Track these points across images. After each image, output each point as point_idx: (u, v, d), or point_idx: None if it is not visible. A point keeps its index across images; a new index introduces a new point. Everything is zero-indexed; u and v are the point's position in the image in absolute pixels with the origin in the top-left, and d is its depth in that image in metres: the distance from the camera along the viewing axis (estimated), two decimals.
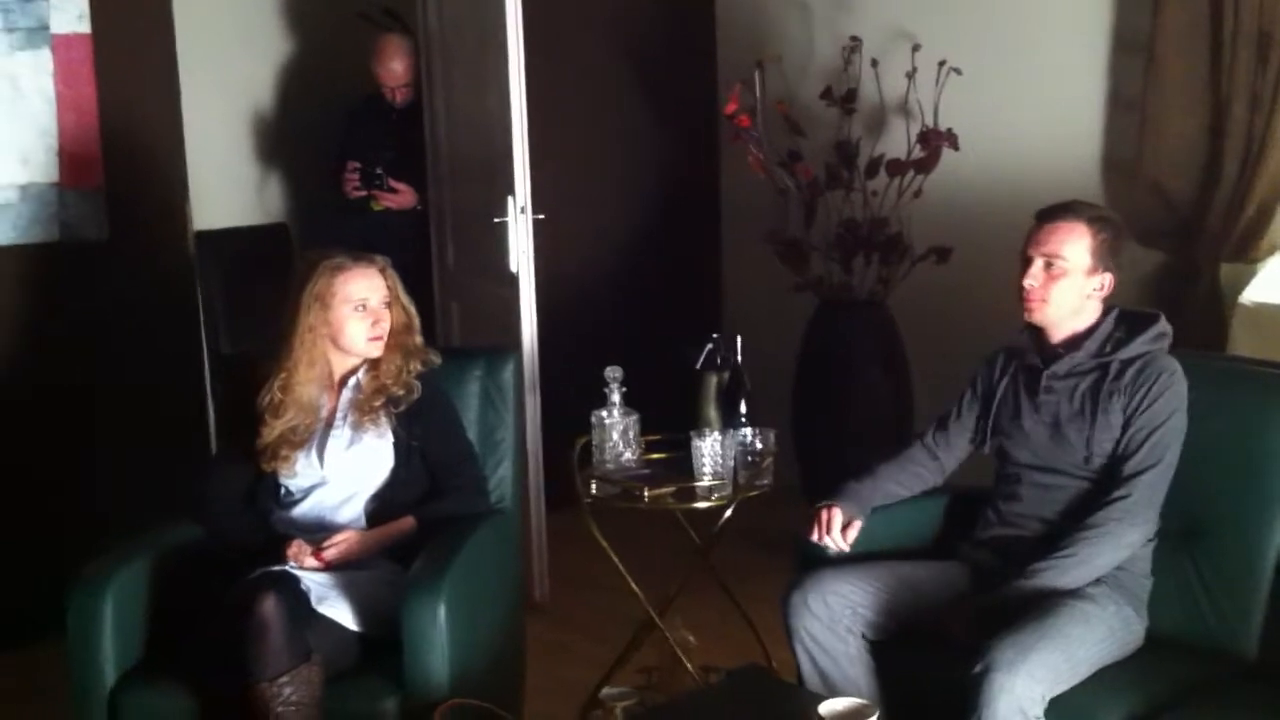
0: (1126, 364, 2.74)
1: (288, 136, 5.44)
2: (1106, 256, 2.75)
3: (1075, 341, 2.80)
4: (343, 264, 2.97)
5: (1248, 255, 3.75)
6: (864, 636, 2.75)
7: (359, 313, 2.94)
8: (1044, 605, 2.57)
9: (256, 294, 4.92)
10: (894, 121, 4.49)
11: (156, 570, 2.86)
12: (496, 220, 4.10)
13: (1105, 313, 2.81)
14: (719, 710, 2.58)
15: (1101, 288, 2.77)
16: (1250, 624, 2.68)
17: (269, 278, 5.04)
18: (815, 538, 2.85)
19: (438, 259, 4.84)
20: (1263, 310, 3.71)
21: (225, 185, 5.25)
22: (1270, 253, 3.72)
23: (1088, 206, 2.81)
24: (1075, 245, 2.73)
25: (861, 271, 4.41)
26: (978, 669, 2.43)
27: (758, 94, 4.58)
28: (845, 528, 2.86)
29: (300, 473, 2.96)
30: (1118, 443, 2.72)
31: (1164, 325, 2.78)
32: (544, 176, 4.16)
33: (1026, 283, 2.77)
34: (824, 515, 2.86)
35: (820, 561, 2.85)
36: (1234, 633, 2.69)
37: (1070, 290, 2.75)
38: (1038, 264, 2.76)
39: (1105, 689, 2.53)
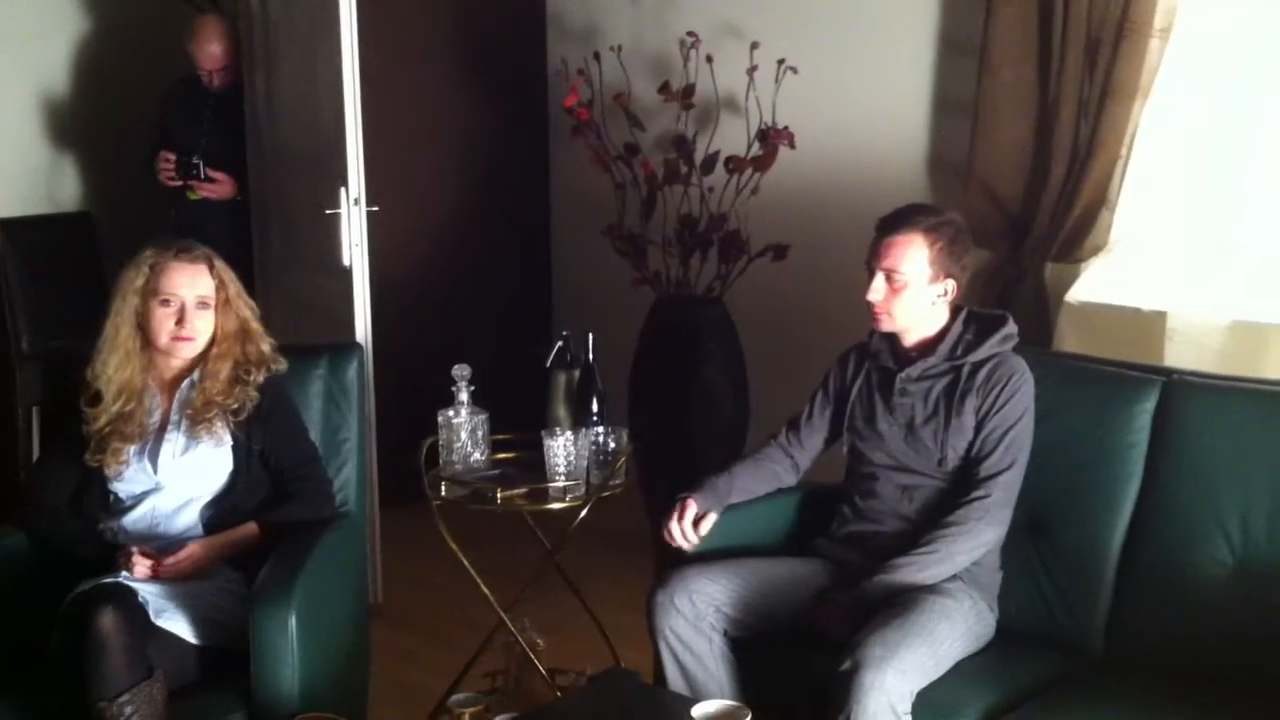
0: (978, 366, 2.79)
1: (90, 120, 5.18)
2: (947, 263, 2.79)
3: (927, 345, 2.84)
4: (162, 256, 2.82)
5: (1073, 256, 3.85)
6: (726, 634, 2.74)
7: (165, 307, 2.80)
8: (905, 601, 2.61)
9: (58, 287, 4.71)
10: (728, 118, 4.50)
11: None
12: (328, 212, 3.96)
13: (954, 315, 2.85)
14: (587, 716, 2.53)
15: (946, 293, 2.81)
16: (1095, 616, 2.77)
17: (70, 270, 4.86)
18: (670, 528, 2.82)
19: (259, 251, 4.66)
20: (1087, 309, 3.82)
21: (20, 170, 4.98)
22: (1094, 253, 3.82)
23: (924, 214, 2.82)
24: (913, 258, 2.76)
25: (699, 267, 4.41)
26: (846, 666, 2.44)
27: (595, 86, 4.53)
28: (698, 521, 2.84)
29: (131, 478, 2.81)
30: (971, 444, 2.77)
31: (1011, 326, 2.84)
32: (375, 167, 4.03)
33: (870, 297, 2.80)
34: (679, 506, 2.85)
35: (683, 560, 2.83)
36: (1080, 624, 2.78)
37: (912, 301, 2.79)
38: (879, 278, 2.79)
39: (964, 683, 2.58)
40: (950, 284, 2.80)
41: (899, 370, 2.85)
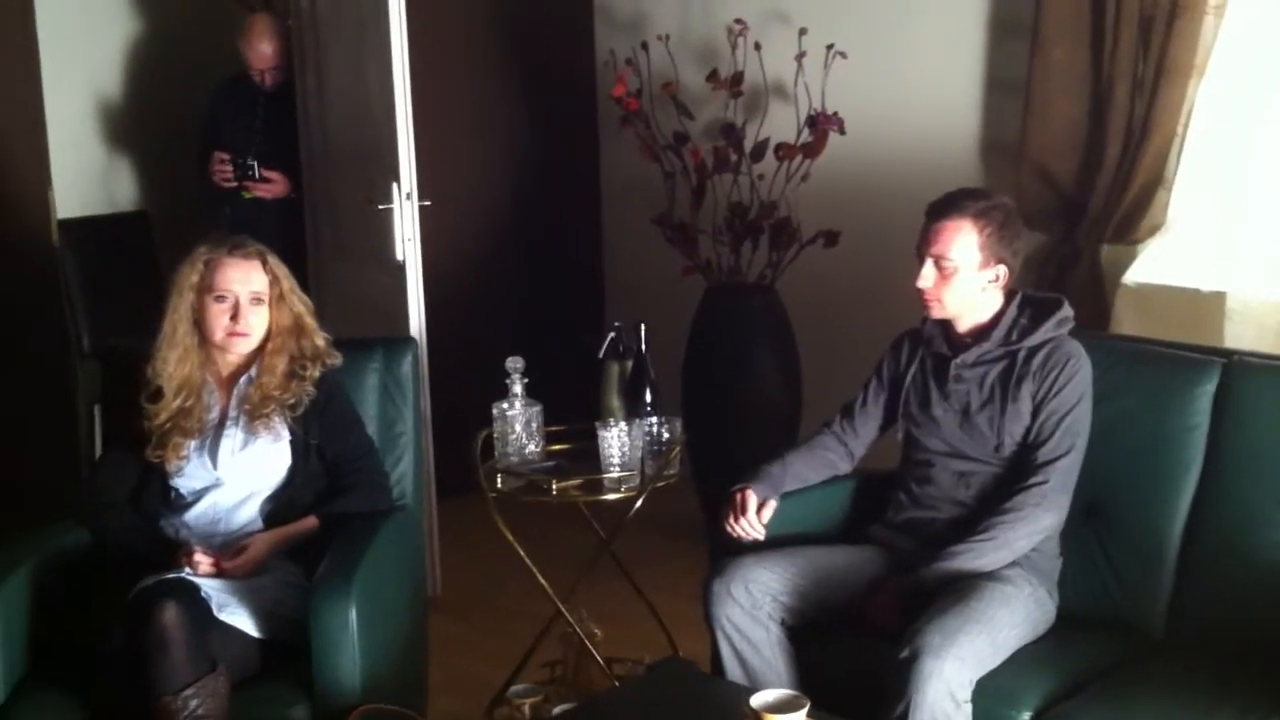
0: (1034, 351, 2.76)
1: (145, 120, 5.23)
2: (997, 248, 2.75)
3: (982, 331, 2.81)
4: (216, 252, 2.85)
5: (1129, 237, 3.81)
6: (783, 623, 2.73)
7: (220, 304, 2.82)
8: (963, 588, 2.59)
9: (116, 286, 4.77)
10: (776, 105, 4.48)
11: (41, 577, 2.71)
12: (381, 207, 3.99)
13: (1009, 299, 2.82)
14: (646, 705, 2.53)
15: (997, 279, 2.78)
16: (1156, 601, 2.74)
17: (128, 269, 4.91)
18: (731, 521, 2.82)
19: (313, 247, 4.69)
20: (1144, 290, 3.79)
21: (80, 171, 5.03)
22: (1151, 234, 3.79)
23: (974, 199, 2.78)
24: (961, 243, 2.73)
25: (749, 255, 4.40)
26: (904, 654, 2.43)
27: (644, 76, 4.52)
28: (760, 509, 2.83)
29: (192, 474, 2.84)
30: (1028, 430, 2.74)
31: (1067, 310, 2.81)
32: (426, 162, 4.05)
33: (919, 284, 2.77)
34: (738, 498, 2.83)
35: (738, 549, 2.83)
36: (1141, 610, 2.75)
37: (962, 287, 2.76)
38: (929, 265, 2.76)
39: (1024, 670, 2.56)
40: (1001, 269, 2.77)
41: (953, 356, 2.82)
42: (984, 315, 2.81)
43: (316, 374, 2.88)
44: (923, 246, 2.78)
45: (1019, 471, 2.73)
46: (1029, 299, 2.84)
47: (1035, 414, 2.73)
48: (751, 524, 2.81)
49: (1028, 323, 2.79)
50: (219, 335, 2.84)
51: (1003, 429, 2.74)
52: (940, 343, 2.86)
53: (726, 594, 2.69)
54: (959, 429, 2.80)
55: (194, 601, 2.53)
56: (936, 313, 2.81)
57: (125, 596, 2.57)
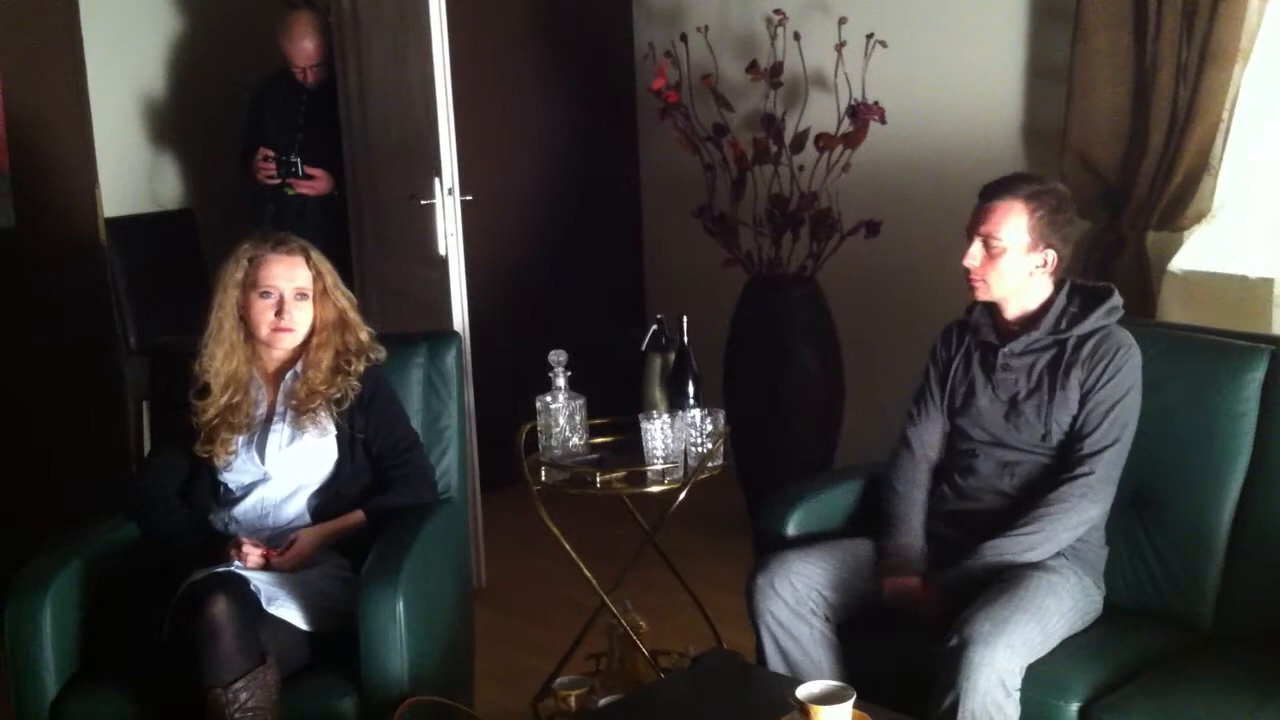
0: (1083, 339, 2.74)
1: (188, 118, 5.29)
2: (1047, 233, 2.73)
3: (1030, 319, 2.79)
4: (260, 249, 2.88)
5: (1174, 224, 3.78)
6: (827, 619, 2.73)
7: (265, 299, 2.85)
8: (1010, 577, 2.58)
9: (163, 284, 4.82)
10: (816, 95, 4.47)
11: (93, 573, 2.74)
12: (423, 202, 4.01)
13: (1058, 288, 2.80)
14: (691, 697, 2.54)
15: (1045, 264, 2.76)
16: (1205, 591, 2.71)
17: (174, 266, 4.96)
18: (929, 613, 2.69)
19: (356, 243, 4.73)
20: (1191, 278, 3.75)
21: (126, 170, 5.09)
22: (1197, 221, 3.75)
23: (1027, 182, 2.78)
24: (1011, 224, 2.72)
25: (790, 246, 4.39)
26: (954, 643, 2.42)
27: (683, 68, 4.52)
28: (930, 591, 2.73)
29: (240, 469, 2.87)
30: (1075, 419, 2.72)
31: (1116, 299, 2.79)
32: (467, 157, 4.07)
33: (966, 263, 2.76)
34: (918, 590, 2.72)
35: (782, 543, 2.83)
36: (1189, 600, 2.72)
37: (1009, 269, 2.74)
38: (976, 244, 2.75)
39: (1072, 659, 2.55)
40: (1050, 254, 2.75)
41: (1001, 345, 2.81)
42: (1032, 302, 2.79)
43: (361, 368, 2.90)
44: (972, 226, 2.76)
45: (1065, 461, 2.71)
46: (1078, 287, 2.82)
47: (1083, 403, 2.71)
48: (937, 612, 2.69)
49: (1077, 311, 2.77)
50: (264, 331, 2.86)
51: (1050, 417, 2.72)
52: (988, 331, 2.85)
53: (770, 589, 2.69)
54: (1004, 419, 2.78)
55: (243, 594, 2.56)
56: (981, 294, 2.79)
57: (176, 591, 2.60)
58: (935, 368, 2.94)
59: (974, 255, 2.75)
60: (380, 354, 2.95)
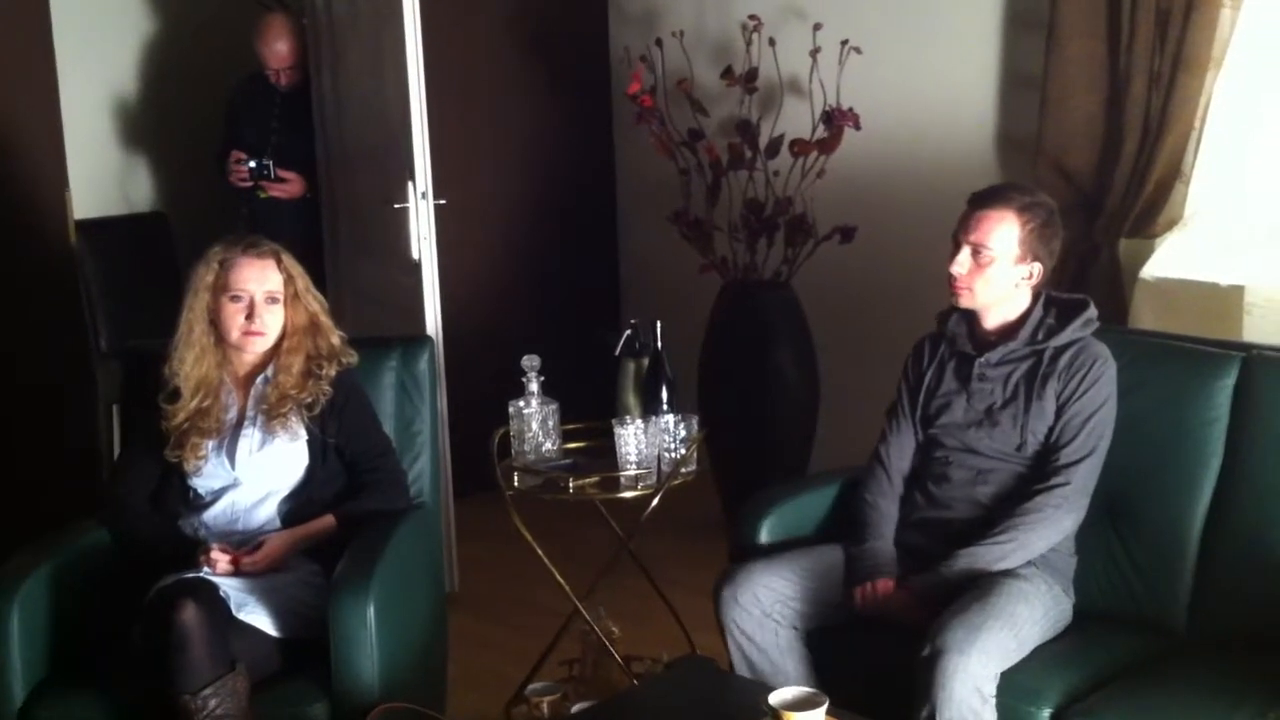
0: (1060, 350, 2.74)
1: (162, 120, 5.25)
2: (1035, 245, 2.74)
3: (1008, 329, 2.79)
4: (230, 252, 2.86)
5: (1147, 231, 3.79)
6: (795, 628, 2.72)
7: (235, 303, 2.83)
8: (982, 585, 2.59)
9: (135, 287, 4.78)
10: (792, 101, 4.47)
11: (62, 578, 2.71)
12: (397, 206, 3.99)
13: (1035, 299, 2.80)
14: (664, 703, 2.53)
15: (1030, 276, 2.76)
16: (1177, 598, 2.72)
17: (147, 269, 4.93)
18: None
19: (330, 247, 4.71)
20: (1163, 284, 3.76)
21: (97, 172, 5.05)
22: (1169, 228, 3.76)
23: (1020, 193, 2.79)
24: (1003, 234, 2.72)
25: (765, 252, 4.39)
26: (927, 652, 2.42)
27: (659, 73, 4.52)
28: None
29: (210, 474, 2.85)
30: (1051, 429, 2.72)
31: (1092, 311, 2.80)
32: (441, 160, 4.05)
33: (953, 269, 2.75)
34: (878, 592, 2.74)
35: (750, 551, 2.82)
36: (1162, 607, 2.73)
37: (996, 278, 2.74)
38: (965, 251, 2.74)
39: (1046, 666, 2.55)
40: (1036, 267, 2.75)
41: (978, 355, 2.81)
42: (1012, 313, 2.79)
43: (333, 373, 2.88)
44: (961, 233, 2.76)
45: (1040, 471, 2.72)
46: (1054, 299, 2.83)
47: (1059, 414, 2.71)
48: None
49: (1054, 322, 2.77)
50: (235, 335, 2.84)
51: (1026, 428, 2.73)
52: (964, 341, 2.84)
53: (735, 601, 2.69)
54: (979, 428, 2.78)
55: (213, 601, 2.54)
56: (965, 301, 2.78)
57: (145, 596, 2.58)
58: (907, 383, 2.93)
59: (962, 262, 2.75)
60: (352, 358, 2.93)
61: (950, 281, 2.77)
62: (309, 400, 2.85)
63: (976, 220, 2.74)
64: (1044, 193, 2.90)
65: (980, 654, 2.40)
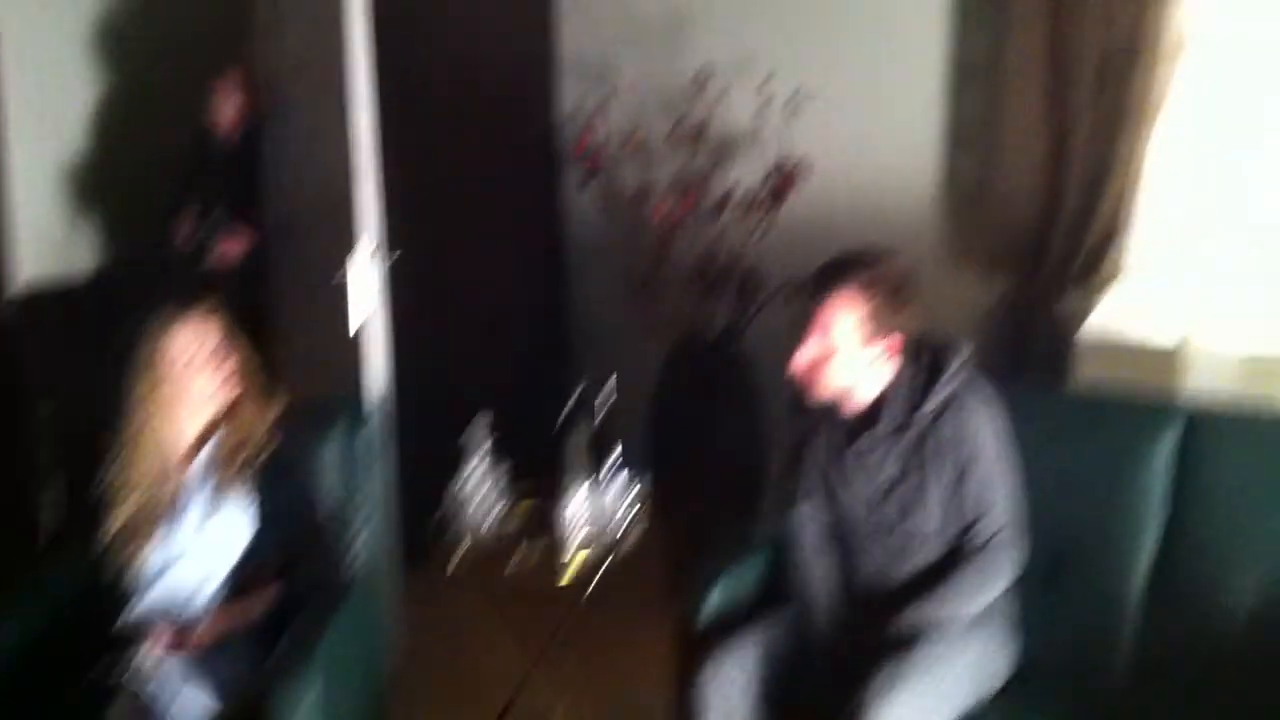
0: (936, 416, 2.63)
1: (110, 180, 5.20)
2: (886, 318, 2.59)
3: (882, 401, 2.67)
4: (165, 320, 2.83)
5: (1088, 284, 3.80)
6: (770, 698, 2.66)
7: (197, 367, 2.80)
8: (910, 642, 2.55)
9: (82, 363, 4.69)
10: (742, 152, 4.48)
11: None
12: (344, 268, 3.96)
13: (905, 353, 2.67)
14: None
15: (887, 349, 2.63)
16: (1119, 653, 2.72)
17: (93, 345, 4.83)
18: None
19: (276, 308, 4.67)
20: (1104, 339, 3.78)
21: (42, 233, 4.99)
22: (1110, 281, 3.77)
23: (860, 267, 2.60)
24: (843, 322, 2.57)
25: (716, 307, 4.39)
26: (850, 705, 2.39)
27: (608, 127, 4.52)
28: None
29: (153, 552, 2.80)
30: (958, 497, 2.63)
31: (964, 351, 2.68)
32: (389, 221, 4.03)
33: (792, 366, 2.60)
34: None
35: (706, 629, 2.79)
36: (1103, 662, 2.73)
37: (843, 367, 2.61)
38: (813, 342, 2.59)
39: None
40: (893, 338, 2.61)
41: (861, 430, 2.69)
42: (878, 387, 2.66)
43: (275, 439, 2.85)
44: (808, 321, 2.59)
45: (962, 534, 2.66)
46: (925, 346, 2.67)
47: (960, 483, 2.62)
48: None
49: (925, 378, 2.64)
50: (214, 392, 2.81)
51: (927, 504, 2.63)
52: (833, 429, 2.71)
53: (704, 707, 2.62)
54: (883, 502, 2.67)
55: (140, 711, 2.51)
56: (820, 394, 2.65)
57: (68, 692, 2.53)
58: (801, 463, 2.80)
59: (803, 356, 2.59)
60: (295, 423, 2.91)
61: (797, 376, 2.63)
62: (251, 464, 2.80)
63: (816, 310, 2.58)
64: (890, 252, 2.70)
65: (903, 706, 2.37)
